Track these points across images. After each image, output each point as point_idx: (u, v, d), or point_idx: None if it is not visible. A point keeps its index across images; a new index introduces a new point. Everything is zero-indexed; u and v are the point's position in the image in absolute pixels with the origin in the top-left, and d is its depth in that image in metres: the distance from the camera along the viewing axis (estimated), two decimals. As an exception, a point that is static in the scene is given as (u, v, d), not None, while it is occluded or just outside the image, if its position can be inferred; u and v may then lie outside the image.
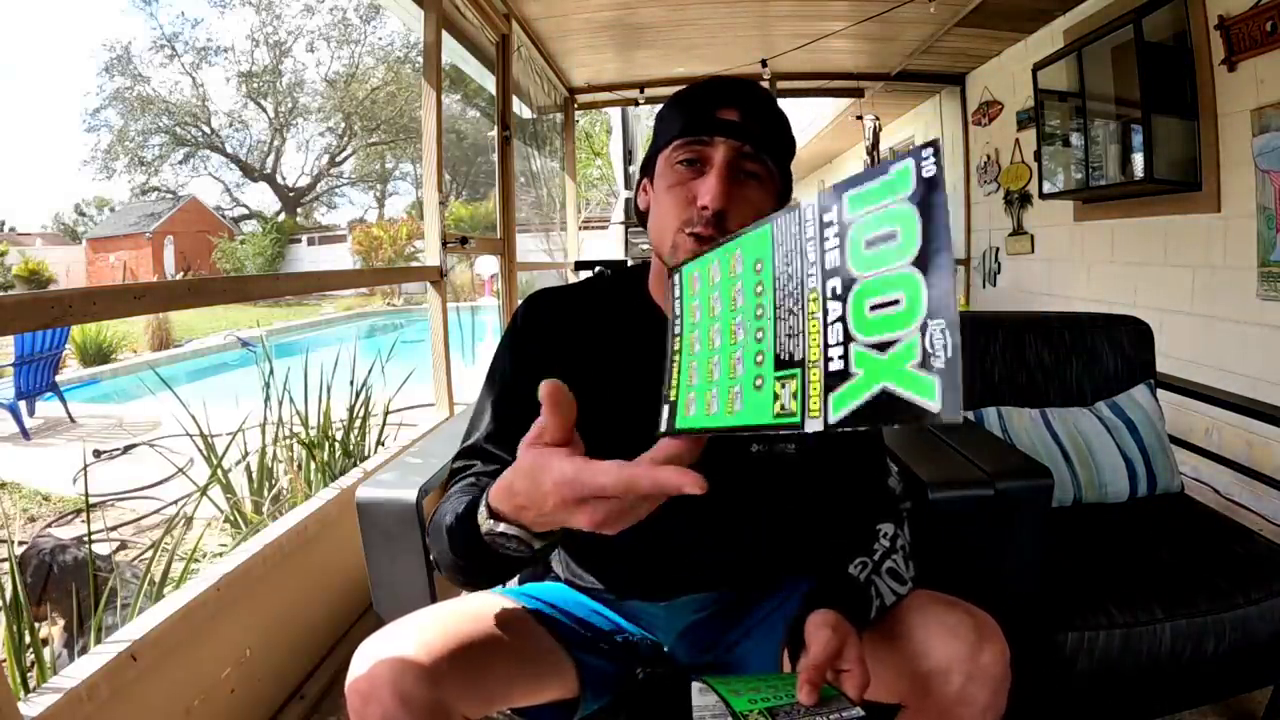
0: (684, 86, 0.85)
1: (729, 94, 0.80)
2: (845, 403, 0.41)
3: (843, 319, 0.43)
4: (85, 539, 1.88)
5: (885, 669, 0.75)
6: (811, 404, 0.43)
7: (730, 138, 0.78)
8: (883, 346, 0.40)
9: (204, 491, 2.00)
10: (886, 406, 0.39)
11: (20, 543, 2.11)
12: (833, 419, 0.42)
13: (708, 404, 0.51)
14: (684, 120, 0.80)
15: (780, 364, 0.46)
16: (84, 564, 1.77)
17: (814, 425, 0.43)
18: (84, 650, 1.38)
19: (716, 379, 0.51)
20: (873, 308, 0.41)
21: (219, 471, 2.21)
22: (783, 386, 0.46)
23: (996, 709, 0.73)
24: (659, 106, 0.87)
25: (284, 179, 25.82)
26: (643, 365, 0.87)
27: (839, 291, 0.44)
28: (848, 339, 0.42)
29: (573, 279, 4.54)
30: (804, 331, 0.45)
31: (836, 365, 0.43)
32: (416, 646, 0.72)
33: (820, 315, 0.45)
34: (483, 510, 0.64)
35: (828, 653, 0.67)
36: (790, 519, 0.91)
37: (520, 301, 0.95)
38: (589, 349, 0.89)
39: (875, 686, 0.76)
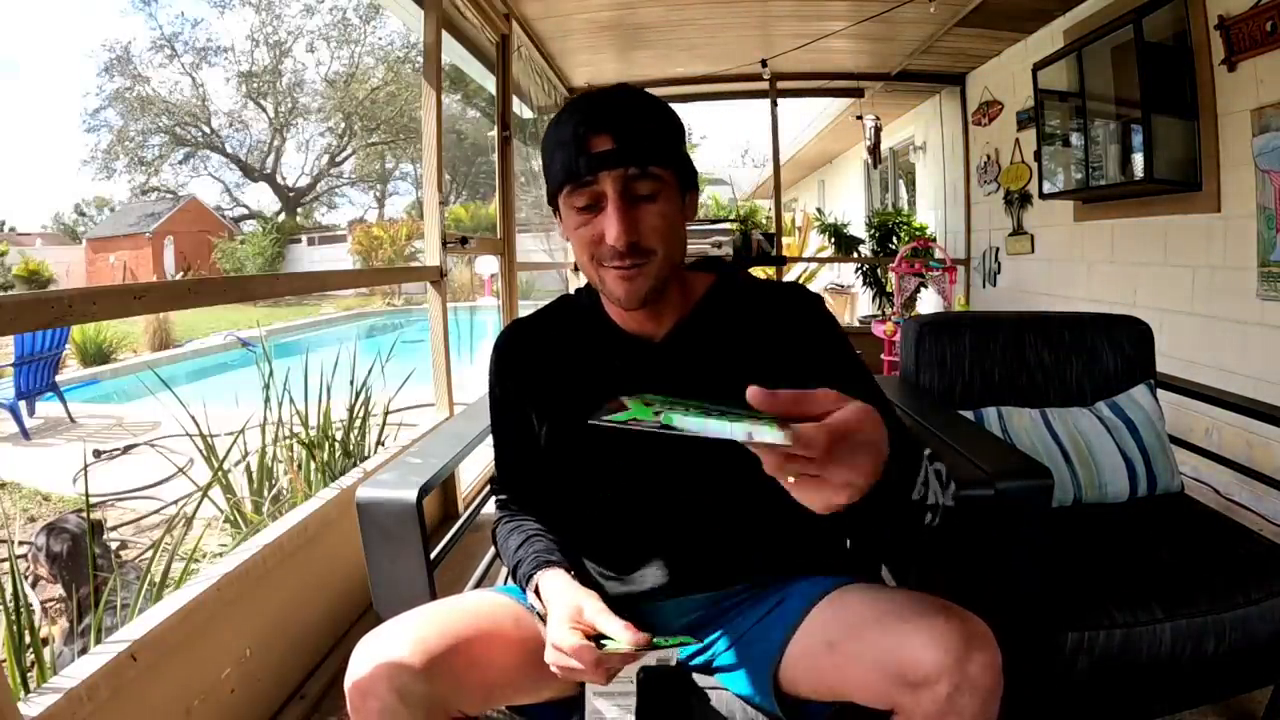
0: (561, 108, 0.83)
1: (598, 119, 0.77)
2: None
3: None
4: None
5: (875, 675, 0.74)
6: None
7: (613, 168, 0.77)
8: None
9: (205, 492, 2.00)
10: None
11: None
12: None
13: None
14: (564, 163, 0.78)
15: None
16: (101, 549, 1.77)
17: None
18: (86, 650, 1.38)
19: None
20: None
21: (219, 472, 2.21)
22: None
23: (987, 718, 0.72)
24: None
25: (284, 179, 25.79)
26: (604, 383, 0.89)
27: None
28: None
29: (573, 279, 4.55)
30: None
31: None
32: (415, 643, 0.72)
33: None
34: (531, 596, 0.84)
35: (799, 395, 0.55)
36: (788, 513, 0.91)
37: (505, 323, 1.01)
38: (557, 375, 0.93)
39: (865, 691, 0.76)
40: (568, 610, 0.76)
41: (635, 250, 0.79)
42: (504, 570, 1.27)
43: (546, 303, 1.02)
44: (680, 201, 0.83)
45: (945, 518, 0.75)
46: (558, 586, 0.81)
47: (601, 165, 0.77)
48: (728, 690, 0.90)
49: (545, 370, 0.93)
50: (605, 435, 0.87)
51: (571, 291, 1.01)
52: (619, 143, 0.77)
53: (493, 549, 1.46)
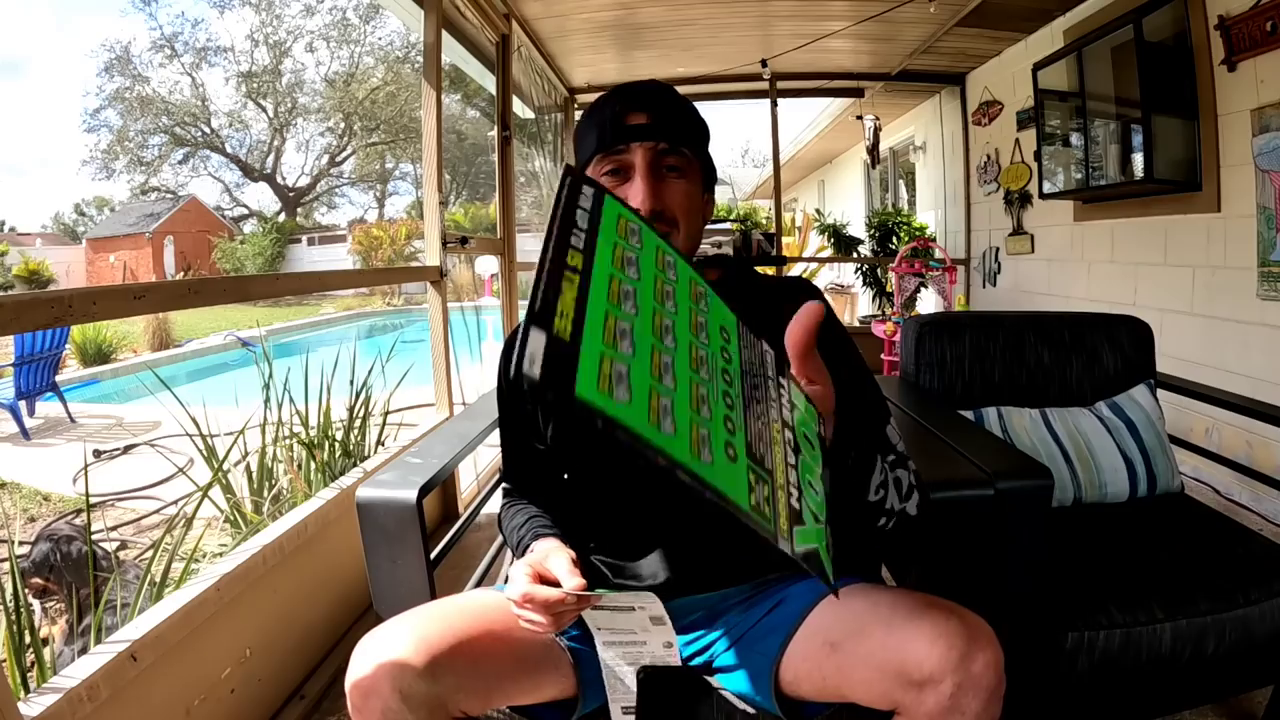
0: (595, 99, 0.88)
1: (636, 99, 0.84)
2: (803, 542, 0.48)
3: (796, 469, 0.51)
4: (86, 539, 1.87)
5: (877, 675, 0.74)
6: (782, 523, 0.46)
7: (645, 140, 0.82)
8: (814, 519, 0.51)
9: (205, 492, 1.99)
10: (815, 563, 0.48)
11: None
12: (796, 550, 0.47)
13: (654, 409, 0.39)
14: (598, 134, 0.83)
15: (753, 457, 0.46)
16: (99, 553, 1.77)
17: (784, 545, 0.46)
18: (86, 651, 1.38)
19: (672, 389, 0.41)
20: (807, 483, 0.52)
21: (219, 472, 2.21)
22: (757, 481, 0.46)
23: (990, 717, 0.72)
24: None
25: (284, 179, 25.79)
26: None
27: (793, 446, 0.52)
28: (800, 490, 0.51)
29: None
30: (770, 449, 0.49)
31: (795, 505, 0.49)
32: (416, 642, 0.72)
33: (783, 452, 0.50)
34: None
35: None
36: None
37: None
38: None
39: (867, 691, 0.76)
40: (531, 561, 0.77)
41: (659, 218, 0.82)
42: (504, 570, 1.28)
43: None
44: (702, 190, 0.87)
45: (903, 524, 0.77)
46: (541, 548, 0.82)
47: (634, 136, 0.82)
48: (726, 690, 0.90)
49: None
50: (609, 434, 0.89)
51: None
52: (653, 119, 0.82)
53: (493, 549, 1.47)
